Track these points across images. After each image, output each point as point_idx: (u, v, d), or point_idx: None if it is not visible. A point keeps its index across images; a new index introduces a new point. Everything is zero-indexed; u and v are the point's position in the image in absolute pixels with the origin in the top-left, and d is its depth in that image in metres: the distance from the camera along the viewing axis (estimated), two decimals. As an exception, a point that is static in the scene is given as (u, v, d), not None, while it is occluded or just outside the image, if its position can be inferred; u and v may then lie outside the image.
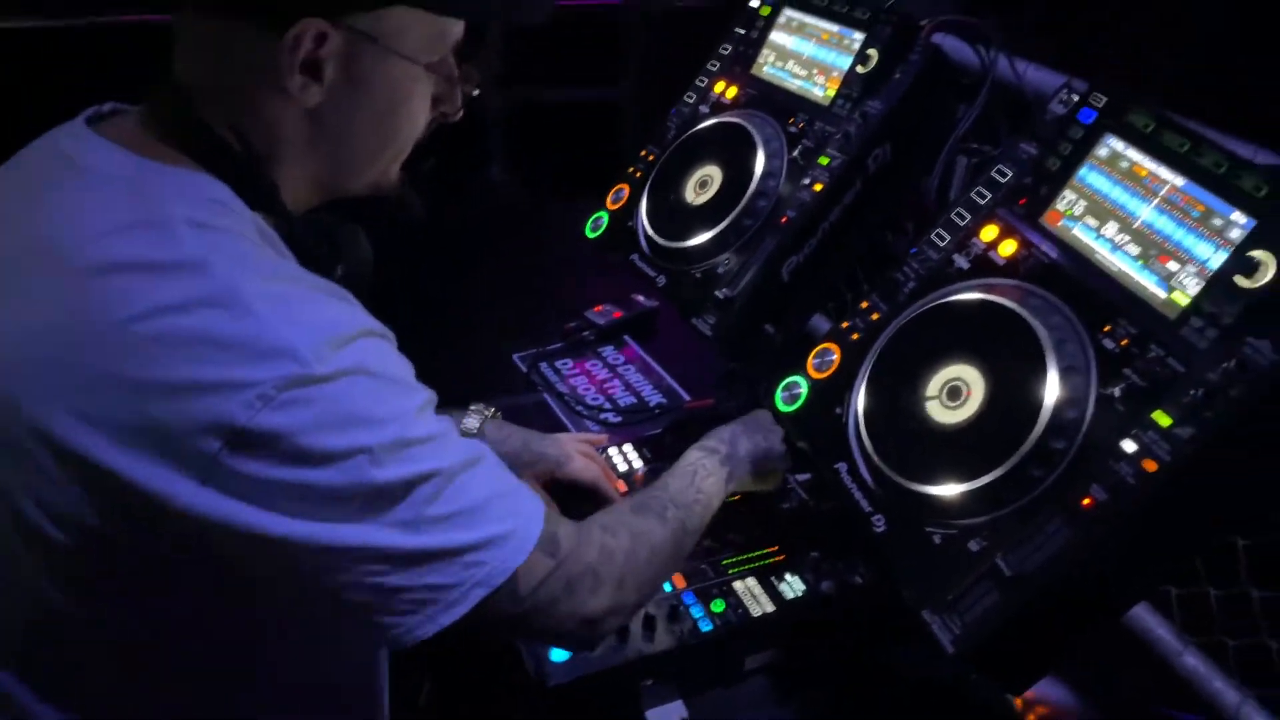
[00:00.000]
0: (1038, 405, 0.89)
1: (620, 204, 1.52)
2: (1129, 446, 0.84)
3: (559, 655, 1.08)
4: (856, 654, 1.21)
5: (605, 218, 1.54)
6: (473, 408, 1.32)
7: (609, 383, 1.79)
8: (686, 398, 1.72)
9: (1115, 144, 0.97)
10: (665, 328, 1.95)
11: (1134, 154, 0.95)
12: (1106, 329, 0.91)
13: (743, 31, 1.50)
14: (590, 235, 1.56)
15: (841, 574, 1.21)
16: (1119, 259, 0.94)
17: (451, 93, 0.91)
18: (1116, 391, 0.87)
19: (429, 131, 0.95)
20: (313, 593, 0.76)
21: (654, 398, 1.72)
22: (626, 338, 1.94)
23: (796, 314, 1.37)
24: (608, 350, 1.90)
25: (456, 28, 0.88)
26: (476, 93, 0.93)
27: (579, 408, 1.68)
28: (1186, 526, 0.85)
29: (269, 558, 0.73)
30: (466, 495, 0.78)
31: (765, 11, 1.48)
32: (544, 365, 1.82)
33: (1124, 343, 0.89)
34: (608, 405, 1.70)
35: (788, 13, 1.45)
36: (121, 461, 0.69)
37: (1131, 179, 0.95)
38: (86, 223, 0.74)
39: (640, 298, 1.96)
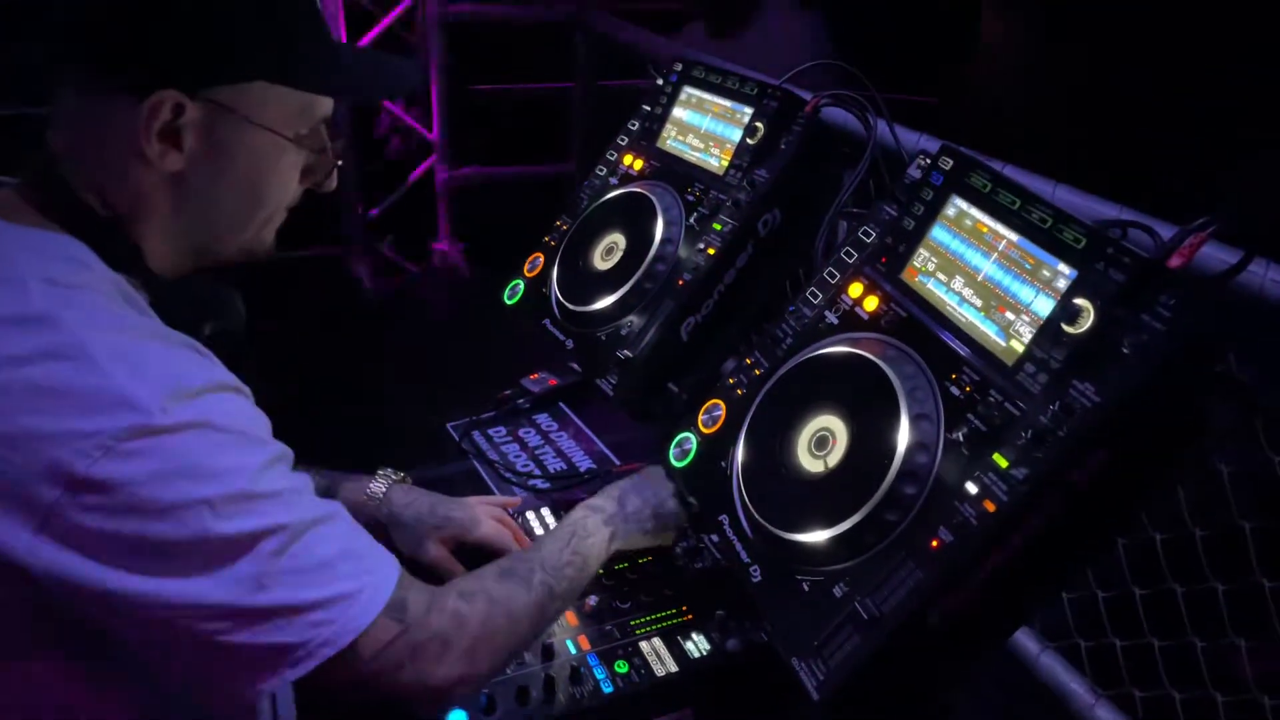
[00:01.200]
0: (891, 451, 0.93)
1: (535, 271, 1.58)
2: (972, 488, 0.88)
3: (458, 717, 1.08)
4: (768, 711, 1.22)
5: (521, 285, 1.59)
6: (380, 472, 1.33)
7: (541, 449, 1.81)
8: (618, 463, 1.74)
9: (960, 203, 1.03)
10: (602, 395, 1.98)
11: (976, 212, 1.01)
12: (953, 376, 0.95)
13: (648, 108, 1.58)
14: (508, 302, 1.61)
15: (748, 631, 1.22)
16: (965, 311, 0.99)
17: (323, 163, 0.96)
18: (961, 436, 0.91)
19: (299, 198, 0.99)
20: (160, 648, 0.77)
21: (585, 463, 1.74)
22: (562, 405, 1.96)
23: (698, 372, 1.42)
24: (542, 418, 1.92)
25: (324, 103, 0.93)
26: (339, 163, 0.98)
27: (507, 475, 1.69)
28: (1033, 560, 0.88)
29: (111, 613, 0.73)
30: (314, 552, 0.79)
31: (668, 89, 1.56)
32: (476, 434, 1.85)
33: (968, 389, 0.94)
34: (537, 471, 1.72)
35: (687, 90, 1.53)
36: None
37: (974, 235, 1.01)
38: None
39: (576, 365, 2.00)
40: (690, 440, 1.20)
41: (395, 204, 3.17)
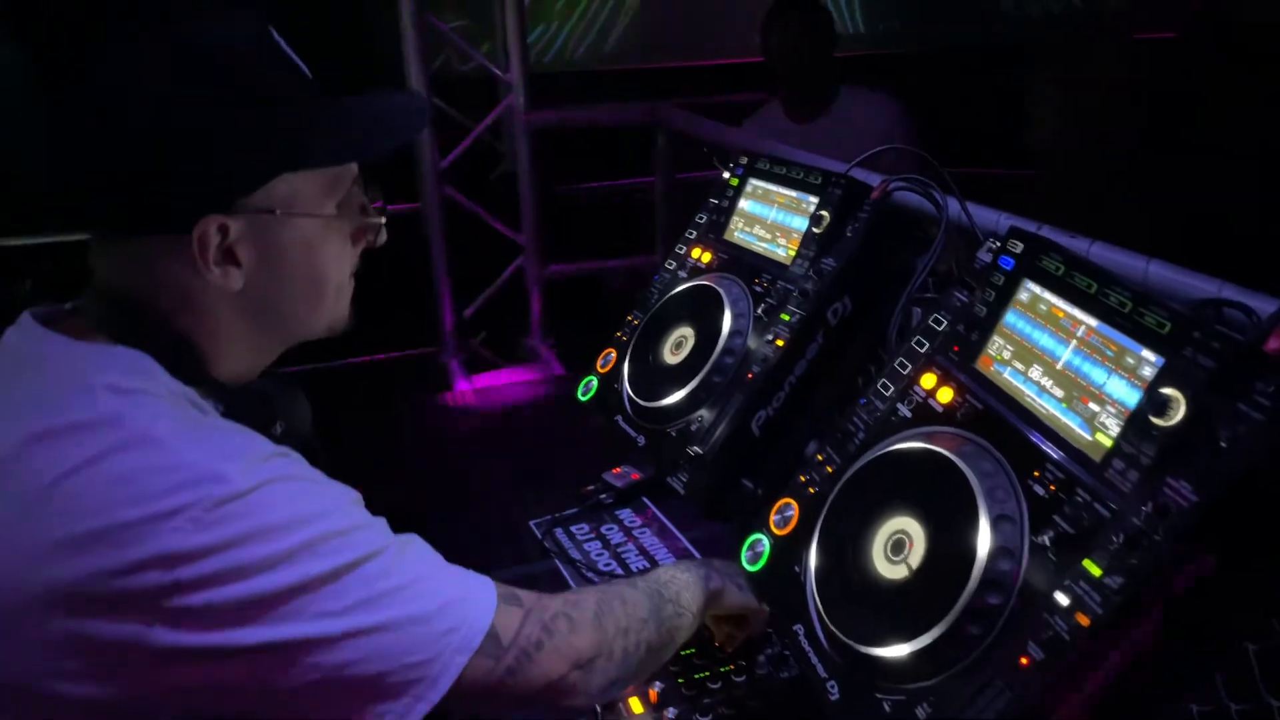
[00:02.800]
0: (971, 557, 0.87)
1: (608, 368, 1.57)
2: (1062, 598, 0.80)
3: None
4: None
5: (595, 381, 1.59)
6: None
7: (624, 547, 1.77)
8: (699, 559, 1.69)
9: (1034, 288, 0.98)
10: (677, 491, 1.95)
11: (1050, 297, 0.95)
12: (1036, 474, 0.89)
13: (715, 201, 1.58)
14: (582, 399, 1.60)
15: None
16: (1045, 402, 0.93)
17: (367, 223, 0.97)
18: (1047, 539, 0.84)
19: (361, 259, 1.00)
20: (297, 699, 0.78)
21: (668, 560, 1.69)
22: (645, 499, 1.93)
23: (773, 467, 1.37)
24: (625, 513, 1.89)
25: (350, 167, 0.94)
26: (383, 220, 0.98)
27: (590, 574, 1.66)
28: (1136, 677, 0.80)
29: (245, 675, 0.76)
30: (416, 567, 0.82)
31: (734, 182, 1.56)
32: (559, 531, 1.82)
33: (1052, 488, 0.87)
34: (619, 571, 1.68)
35: (753, 182, 1.52)
36: (83, 625, 0.72)
37: (1051, 321, 0.95)
38: (18, 404, 0.80)
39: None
40: (763, 542, 1.15)
41: (488, 302, 3.25)
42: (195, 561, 0.73)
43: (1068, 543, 0.83)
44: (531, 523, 1.88)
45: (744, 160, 1.55)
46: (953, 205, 1.29)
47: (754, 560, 1.15)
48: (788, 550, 1.11)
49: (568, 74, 4.36)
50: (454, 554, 1.41)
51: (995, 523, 0.87)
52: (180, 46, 0.82)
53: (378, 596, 0.79)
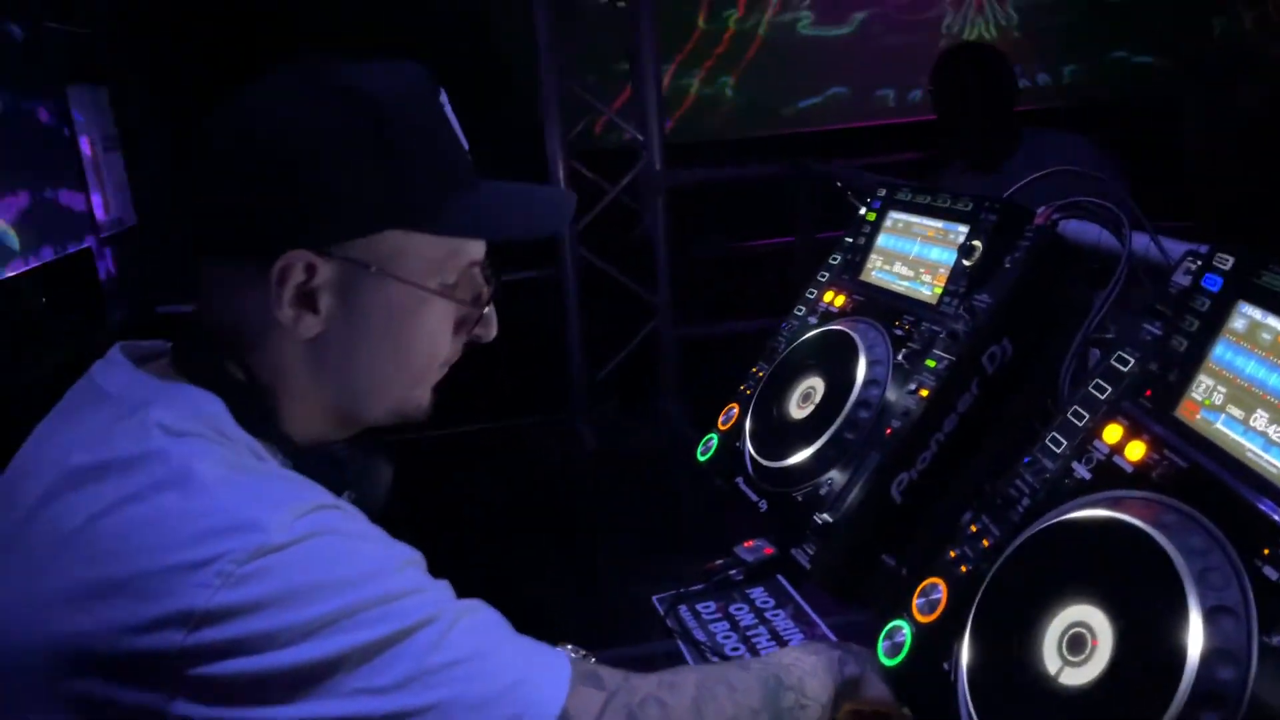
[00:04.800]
0: (1179, 661, 0.65)
1: (729, 425, 1.42)
2: (1314, 724, 0.58)
3: None
4: None
5: (715, 440, 1.44)
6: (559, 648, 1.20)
7: (754, 631, 1.58)
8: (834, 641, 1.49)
9: (1251, 312, 0.76)
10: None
11: (1276, 322, 0.74)
12: (1266, 552, 0.67)
13: (851, 240, 1.42)
14: (700, 459, 1.46)
15: None
16: (1275, 457, 0.71)
17: (477, 314, 0.89)
18: (1287, 642, 0.62)
19: (462, 352, 0.92)
20: None
21: (803, 649, 1.50)
22: (780, 578, 1.75)
23: (919, 542, 1.17)
24: (757, 592, 1.70)
25: (471, 247, 0.86)
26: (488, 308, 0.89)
27: (713, 658, 1.49)
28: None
29: None
30: (474, 639, 0.71)
31: (871, 217, 1.39)
32: (683, 608, 1.66)
33: (1292, 572, 0.65)
34: (748, 657, 1.50)
35: (892, 215, 1.36)
36: (94, 687, 0.65)
37: (1278, 354, 0.73)
38: (74, 441, 0.74)
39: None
40: (903, 631, 0.96)
41: (623, 366, 3.18)
42: (221, 623, 0.64)
43: (1322, 648, 0.61)
44: (654, 598, 1.72)
45: (881, 193, 1.39)
46: (1138, 237, 1.08)
47: (893, 653, 0.96)
48: (934, 641, 0.91)
49: (707, 143, 4.33)
50: (567, 629, 1.29)
51: (1210, 616, 0.66)
52: (328, 83, 0.78)
53: (428, 673, 0.68)
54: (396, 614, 0.69)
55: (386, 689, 0.67)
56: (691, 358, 3.11)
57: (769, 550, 1.76)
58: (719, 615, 1.62)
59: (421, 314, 0.83)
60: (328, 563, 0.69)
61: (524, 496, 2.58)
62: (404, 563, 0.74)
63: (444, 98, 0.85)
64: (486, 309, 0.90)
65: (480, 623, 0.75)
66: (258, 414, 0.80)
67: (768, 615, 1.61)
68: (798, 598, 1.66)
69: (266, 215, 0.77)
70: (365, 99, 0.77)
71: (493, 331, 0.91)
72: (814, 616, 1.58)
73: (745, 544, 1.79)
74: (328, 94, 0.77)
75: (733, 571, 1.70)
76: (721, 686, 0.86)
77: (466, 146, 0.86)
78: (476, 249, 0.86)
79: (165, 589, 0.65)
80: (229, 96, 0.80)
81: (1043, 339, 1.12)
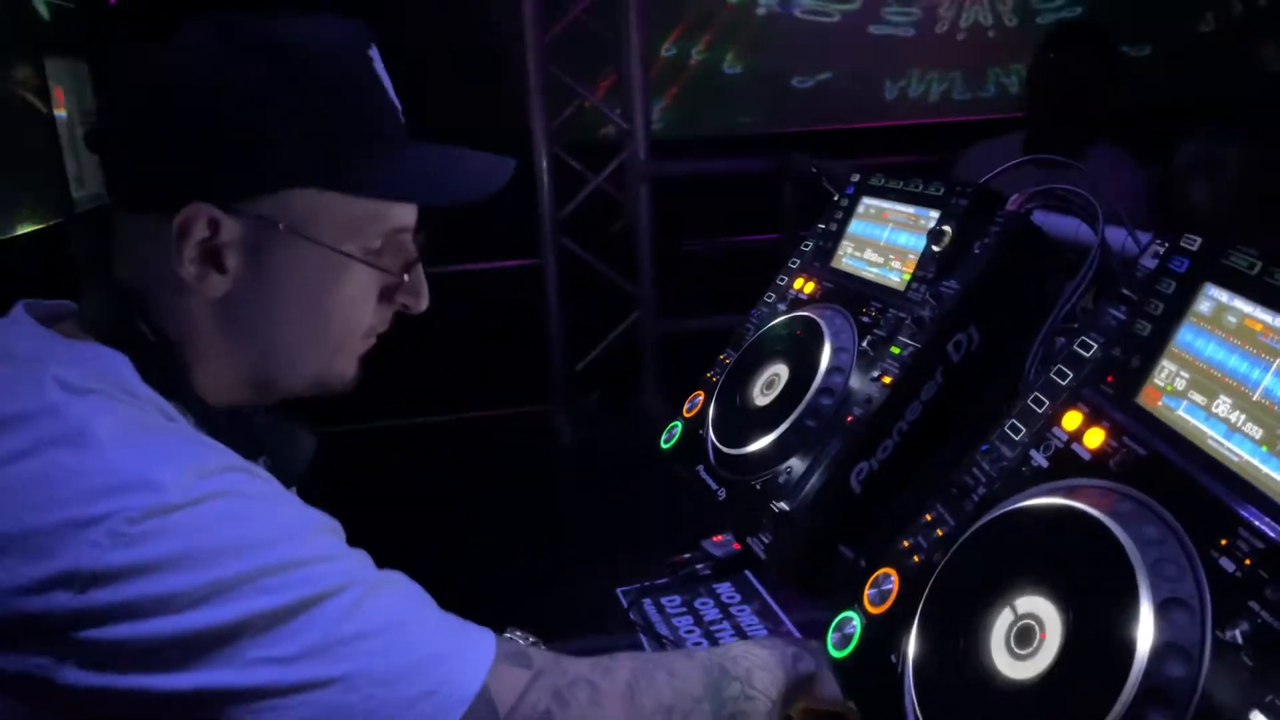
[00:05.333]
0: (1128, 656, 0.62)
1: (694, 412, 1.38)
2: (1262, 723, 0.55)
3: None
4: None
5: (679, 427, 1.40)
6: (506, 634, 1.16)
7: (718, 625, 1.55)
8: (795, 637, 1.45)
9: (1217, 294, 0.73)
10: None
11: (1241, 304, 0.71)
12: (1223, 543, 0.63)
13: (823, 226, 1.38)
14: (664, 446, 1.42)
15: None
16: (1235, 444, 0.67)
17: (406, 283, 0.84)
18: (1239, 634, 0.59)
19: (391, 322, 0.88)
20: None
21: (769, 644, 1.46)
22: (748, 574, 1.71)
23: (879, 533, 1.13)
24: (724, 587, 1.66)
25: (398, 211, 0.81)
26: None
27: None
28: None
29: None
30: (390, 611, 0.67)
31: (844, 203, 1.36)
32: (647, 602, 1.62)
33: (1247, 562, 0.61)
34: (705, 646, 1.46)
35: (865, 201, 1.32)
36: None
37: (1243, 337, 0.70)
38: None
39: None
40: (853, 622, 0.92)
41: (605, 359, 3.14)
42: (111, 584, 0.60)
43: (1269, 639, 0.57)
44: (619, 590, 1.68)
45: (855, 178, 1.35)
46: (1115, 232, 1.04)
47: (841, 644, 0.92)
48: (884, 633, 0.87)
49: (696, 139, 4.28)
50: (525, 617, 1.25)
51: (1162, 609, 0.62)
52: (241, 32, 0.74)
53: (335, 644, 0.64)
54: (303, 580, 0.65)
55: (290, 659, 0.64)
56: (674, 352, 3.07)
57: (737, 545, 1.73)
58: (683, 609, 1.59)
59: (339, 278, 0.79)
60: (229, 525, 0.65)
61: (494, 487, 2.54)
62: (316, 529, 0.71)
63: (374, 53, 0.80)
64: (414, 278, 0.85)
65: (397, 595, 0.71)
66: (167, 373, 0.76)
67: (733, 610, 1.58)
68: (764, 593, 1.62)
69: (168, 167, 0.73)
70: (277, 49, 0.74)
71: (423, 302, 0.87)
72: (780, 613, 1.54)
73: (714, 539, 1.76)
74: (239, 44, 0.74)
75: (699, 566, 1.66)
76: (660, 672, 0.82)
77: (399, 106, 0.82)
78: (404, 214, 0.82)
79: (53, 548, 0.61)
80: (146, 47, 0.76)
81: (1013, 329, 1.09)
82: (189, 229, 0.73)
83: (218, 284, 0.75)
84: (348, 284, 0.80)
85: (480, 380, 3.01)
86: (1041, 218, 1.14)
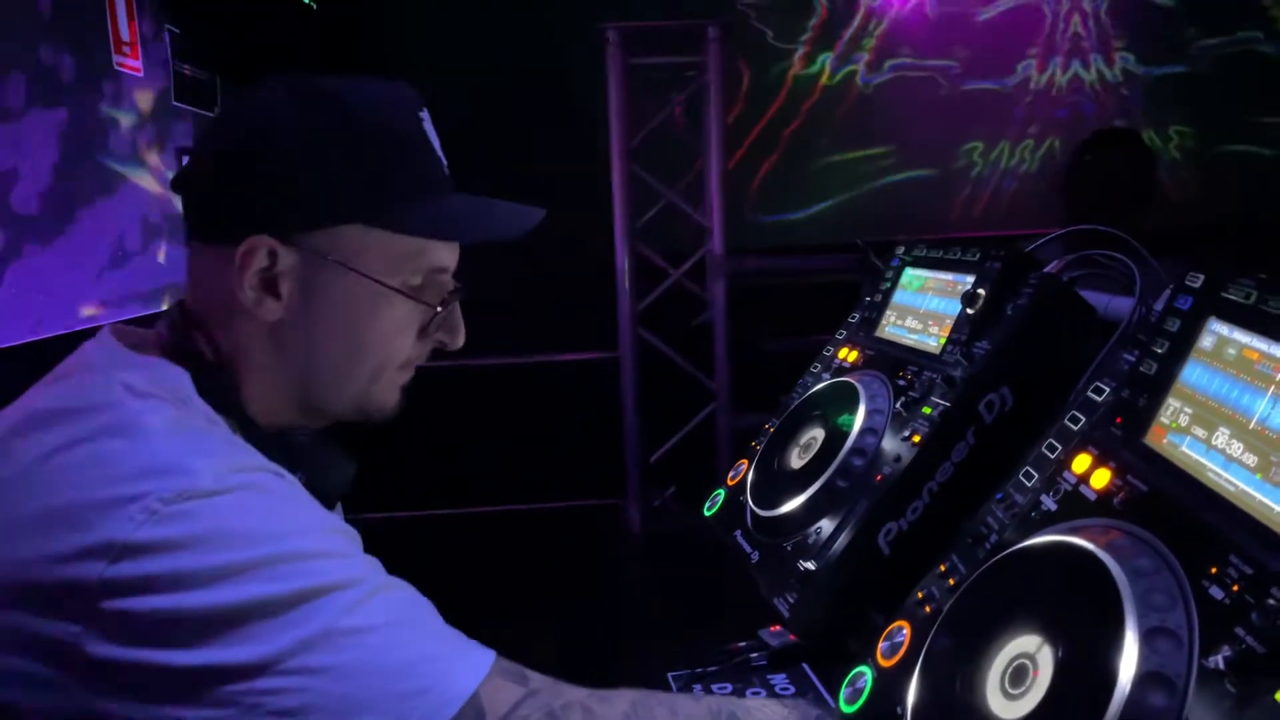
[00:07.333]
0: (1110, 685, 0.59)
1: (737, 479, 1.38)
2: (1242, 751, 0.51)
3: None
4: None
5: (721, 495, 1.40)
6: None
7: (767, 715, 1.50)
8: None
9: (1219, 328, 0.71)
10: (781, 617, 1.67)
11: (1240, 335, 0.69)
12: (1213, 571, 0.60)
13: (869, 298, 1.40)
14: (706, 514, 1.42)
15: None
16: (1232, 474, 0.65)
17: (443, 320, 0.90)
18: (1222, 661, 0.55)
19: (425, 356, 0.94)
20: None
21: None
22: (805, 667, 1.65)
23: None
24: (779, 679, 1.60)
25: (438, 250, 0.87)
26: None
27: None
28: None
29: (174, 701, 0.67)
30: (393, 611, 0.70)
31: (889, 274, 1.37)
32: (697, 687, 1.58)
33: (1235, 589, 0.58)
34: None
35: (909, 272, 1.33)
36: (24, 618, 0.66)
37: (1240, 368, 0.68)
38: (50, 392, 0.78)
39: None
40: (865, 677, 0.89)
41: (681, 452, 3.14)
42: (139, 557, 0.65)
43: (1255, 667, 0.54)
44: (669, 674, 1.65)
45: (900, 250, 1.37)
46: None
47: (853, 699, 0.90)
48: (893, 686, 0.85)
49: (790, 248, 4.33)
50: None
51: (1148, 638, 0.59)
52: (307, 87, 0.84)
53: (336, 634, 0.67)
54: (313, 572, 0.69)
55: (293, 644, 0.67)
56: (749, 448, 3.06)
57: (794, 636, 1.67)
58: (733, 697, 1.54)
59: (380, 309, 0.85)
60: (251, 514, 0.70)
61: (560, 572, 2.54)
62: (332, 530, 0.75)
63: (425, 114, 0.89)
64: (452, 315, 0.91)
65: (403, 599, 0.74)
66: (220, 389, 0.83)
67: (786, 704, 1.52)
68: (820, 686, 1.55)
69: (236, 202, 0.82)
70: (338, 102, 0.82)
71: (459, 339, 0.92)
72: (834, 704, 1.48)
73: (771, 628, 1.71)
74: (303, 96, 0.83)
75: (754, 655, 1.62)
76: (661, 708, 0.81)
77: (443, 160, 0.90)
78: (444, 255, 0.88)
79: (93, 521, 0.66)
80: (230, 100, 0.87)
81: (1048, 391, 1.06)
82: (251, 258, 0.80)
83: (272, 309, 0.82)
84: (388, 315, 0.86)
85: (556, 471, 3.05)
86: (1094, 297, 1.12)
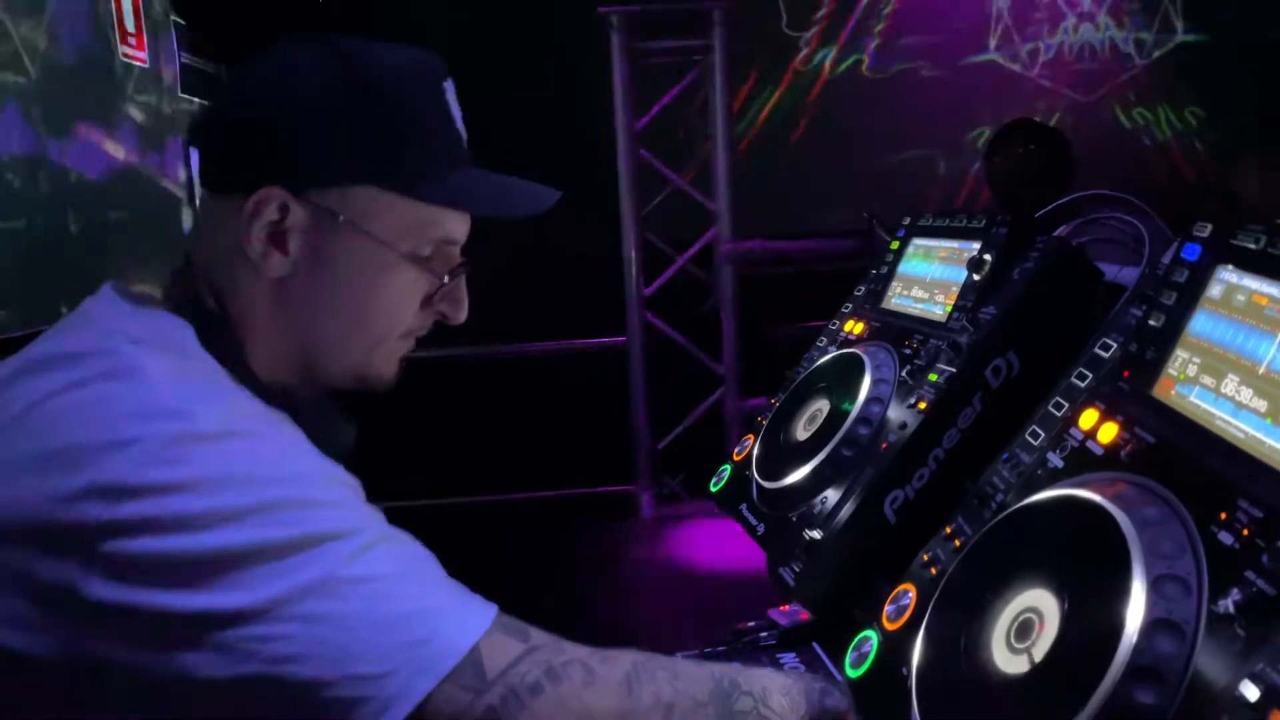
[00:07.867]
0: (1116, 635, 0.58)
1: (743, 455, 1.37)
2: (1250, 692, 0.50)
3: None
4: None
5: (728, 470, 1.39)
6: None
7: (778, 698, 1.49)
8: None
9: (1228, 275, 0.70)
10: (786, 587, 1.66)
11: (1250, 281, 0.67)
12: (1223, 516, 0.59)
13: (875, 270, 1.38)
14: (713, 489, 1.41)
15: None
16: (1241, 421, 0.63)
17: (447, 292, 0.89)
18: (1232, 605, 0.54)
19: (427, 328, 0.93)
20: (226, 694, 0.65)
21: None
22: (816, 646, 1.64)
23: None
24: (788, 658, 1.59)
25: (449, 221, 0.86)
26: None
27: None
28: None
29: (173, 647, 0.66)
30: (393, 563, 0.68)
31: (894, 245, 1.36)
32: (706, 666, 1.58)
33: (1245, 533, 0.57)
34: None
35: (915, 242, 1.32)
36: (24, 560, 0.66)
37: (1251, 314, 0.66)
38: (49, 340, 0.77)
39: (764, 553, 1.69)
40: (870, 641, 0.88)
41: (689, 437, 3.13)
42: (138, 499, 0.65)
43: (1264, 610, 0.53)
44: (678, 655, 1.65)
45: (906, 221, 1.36)
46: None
47: (858, 663, 0.89)
48: (899, 648, 0.84)
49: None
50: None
51: (1155, 585, 0.58)
52: (329, 48, 0.83)
53: (335, 582, 0.66)
54: (315, 519, 0.68)
55: (292, 590, 0.65)
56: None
57: (805, 615, 1.66)
58: (736, 664, 1.53)
59: (385, 274, 0.84)
60: (251, 459, 0.69)
61: (569, 558, 2.54)
62: (336, 479, 0.74)
63: (449, 84, 0.88)
64: (457, 288, 0.90)
65: (404, 550, 0.72)
66: (223, 343, 0.82)
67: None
68: (830, 665, 1.54)
69: (251, 154, 0.81)
70: (359, 65, 0.82)
71: (462, 313, 0.91)
72: (844, 682, 1.47)
73: (781, 608, 1.70)
74: (328, 55, 0.82)
75: (763, 634, 1.61)
76: (663, 672, 0.80)
77: (463, 133, 0.89)
78: (455, 226, 0.87)
79: (93, 462, 0.66)
80: (249, 55, 0.86)
81: (1056, 355, 1.05)
82: (261, 210, 0.79)
83: (278, 264, 0.81)
84: (394, 281, 0.85)
85: (565, 457, 3.05)
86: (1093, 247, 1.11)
